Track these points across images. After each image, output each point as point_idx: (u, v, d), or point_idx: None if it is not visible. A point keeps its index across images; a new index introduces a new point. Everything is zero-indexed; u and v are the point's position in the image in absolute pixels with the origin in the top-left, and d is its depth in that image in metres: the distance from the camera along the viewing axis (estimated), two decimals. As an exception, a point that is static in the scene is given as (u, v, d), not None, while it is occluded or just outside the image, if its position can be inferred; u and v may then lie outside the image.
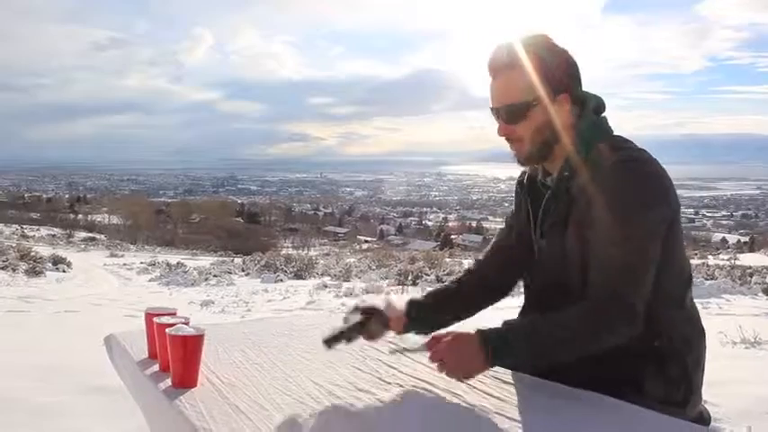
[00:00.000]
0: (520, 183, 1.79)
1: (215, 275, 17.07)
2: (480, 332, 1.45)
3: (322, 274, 17.37)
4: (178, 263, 20.89)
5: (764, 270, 13.09)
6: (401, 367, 1.63)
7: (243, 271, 18.46)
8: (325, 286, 13.97)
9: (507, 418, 1.27)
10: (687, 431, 1.28)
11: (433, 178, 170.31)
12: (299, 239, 65.94)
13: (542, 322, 1.49)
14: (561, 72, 1.57)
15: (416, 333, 1.72)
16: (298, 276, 17.13)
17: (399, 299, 1.75)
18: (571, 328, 1.45)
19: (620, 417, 1.31)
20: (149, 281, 16.78)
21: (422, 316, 1.73)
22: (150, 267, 20.58)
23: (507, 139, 1.62)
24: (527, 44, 1.56)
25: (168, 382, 1.47)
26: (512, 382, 1.51)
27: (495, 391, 1.45)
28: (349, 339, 1.58)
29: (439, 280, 14.97)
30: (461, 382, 1.47)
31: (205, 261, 24.45)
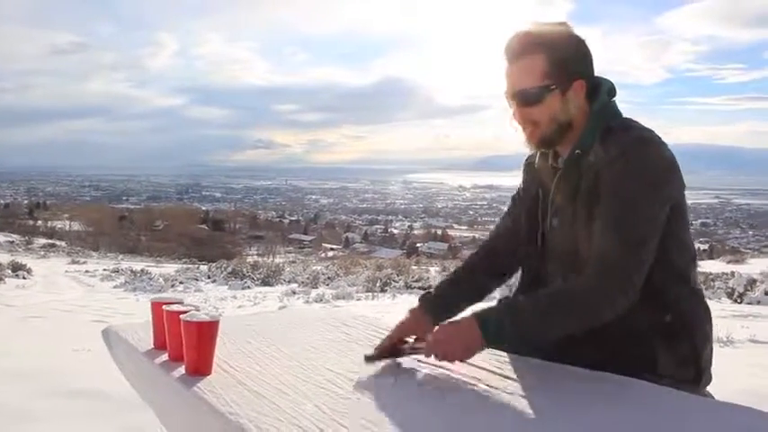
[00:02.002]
0: (529, 164, 1.81)
1: (181, 282, 16.87)
2: (476, 315, 1.49)
3: (289, 281, 17.28)
4: (142, 270, 20.61)
5: (725, 276, 13.38)
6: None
7: (209, 278, 18.26)
8: (294, 293, 13.91)
9: (527, 401, 1.28)
10: (703, 406, 1.29)
11: (398, 186, 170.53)
12: (264, 247, 65.39)
13: (539, 299, 1.52)
14: (577, 59, 1.61)
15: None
16: (265, 283, 17.01)
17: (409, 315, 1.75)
18: (568, 304, 1.49)
19: (636, 394, 1.32)
20: (114, 287, 16.51)
21: (440, 312, 1.74)
22: (114, 274, 20.26)
23: (521, 123, 1.64)
24: (544, 31, 1.60)
25: (181, 370, 1.44)
26: (528, 366, 1.52)
27: (512, 373, 1.45)
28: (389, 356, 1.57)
29: (408, 286, 14.99)
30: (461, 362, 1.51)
31: (170, 268, 24.14)
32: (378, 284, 15.17)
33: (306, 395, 1.29)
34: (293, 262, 27.73)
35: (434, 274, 16.65)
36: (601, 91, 1.63)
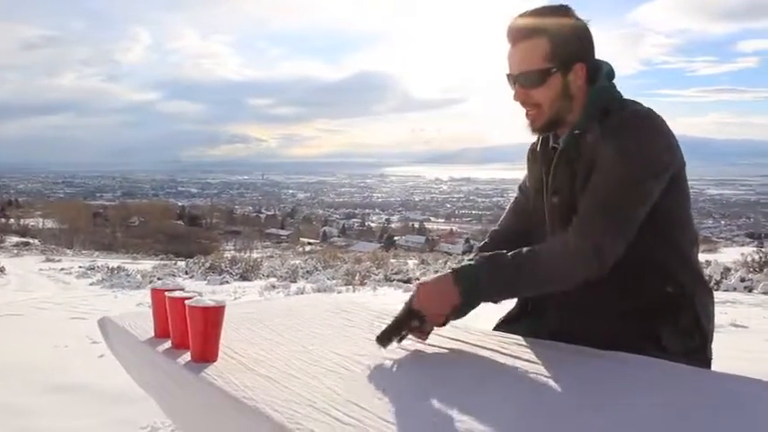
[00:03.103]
0: (533, 150, 1.82)
1: (159, 278, 16.72)
2: (454, 270, 1.50)
3: (268, 276, 17.20)
4: (119, 266, 20.38)
5: (702, 265, 13.53)
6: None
7: (186, 273, 18.12)
8: (274, 287, 13.84)
9: (535, 377, 1.29)
10: (710, 378, 1.29)
11: (375, 180, 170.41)
12: (241, 242, 64.93)
13: (516, 256, 1.53)
14: (578, 42, 1.63)
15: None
16: (243, 278, 16.92)
17: None
18: (542, 263, 1.52)
19: (643, 369, 1.33)
20: (90, 285, 16.31)
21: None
22: (90, 271, 20.01)
23: (523, 105, 1.66)
24: (547, 14, 1.61)
25: (186, 357, 1.43)
26: (532, 345, 1.52)
27: (518, 352, 1.45)
28: (399, 337, 1.54)
29: (387, 279, 15.01)
30: (440, 326, 1.53)
31: (146, 264, 23.89)
32: (357, 277, 15.17)
33: (317, 378, 1.28)
34: (271, 257, 27.60)
35: (413, 266, 16.69)
36: (600, 74, 1.65)
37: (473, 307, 1.52)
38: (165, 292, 1.52)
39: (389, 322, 1.55)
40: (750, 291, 9.23)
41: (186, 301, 1.41)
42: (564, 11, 1.62)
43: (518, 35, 1.63)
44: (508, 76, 1.66)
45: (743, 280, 9.94)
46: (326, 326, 1.78)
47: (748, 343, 4.70)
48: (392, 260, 18.63)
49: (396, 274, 15.46)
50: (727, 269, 11.01)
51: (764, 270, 10.40)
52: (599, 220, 1.50)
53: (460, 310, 1.50)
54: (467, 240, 60.25)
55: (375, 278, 15.04)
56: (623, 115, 1.56)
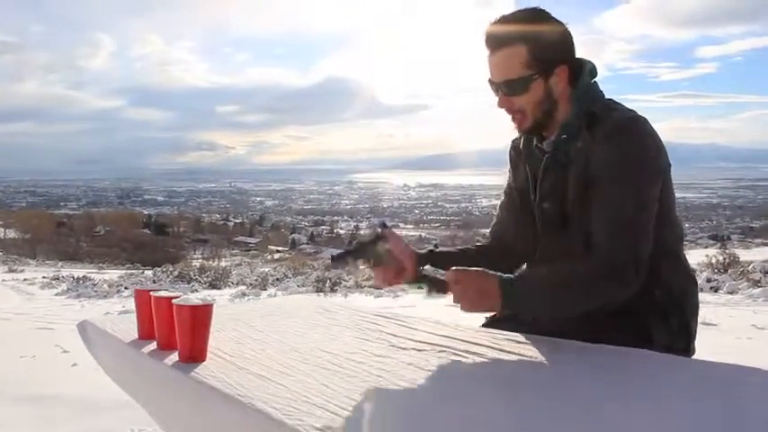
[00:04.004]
0: (515, 147, 1.82)
1: (126, 287, 16.47)
2: (500, 277, 1.48)
3: (237, 284, 17.04)
4: (84, 276, 20.01)
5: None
6: (408, 333, 1.63)
7: (154, 282, 17.85)
8: (244, 294, 13.72)
9: (526, 372, 1.29)
10: (695, 366, 1.31)
11: (343, 186, 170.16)
12: (209, 250, 64.28)
13: (553, 277, 1.53)
14: (558, 45, 1.62)
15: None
16: (213, 286, 16.73)
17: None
18: (580, 283, 1.51)
19: (630, 360, 1.36)
20: (56, 295, 15.99)
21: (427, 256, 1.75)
22: (54, 282, 19.58)
23: (508, 112, 1.66)
24: (525, 18, 1.60)
25: (174, 358, 1.40)
26: (525, 341, 1.52)
27: (510, 348, 1.46)
28: (356, 258, 1.55)
29: (358, 286, 14.98)
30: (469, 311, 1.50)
31: (113, 274, 23.49)
32: (327, 284, 15.12)
33: (310, 375, 1.27)
34: (239, 264, 27.34)
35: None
36: (583, 72, 1.65)
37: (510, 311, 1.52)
38: (151, 293, 1.50)
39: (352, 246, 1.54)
40: (716, 291, 9.39)
41: (174, 300, 1.38)
42: (540, 14, 1.62)
43: (495, 43, 1.62)
44: (490, 82, 1.66)
45: (709, 281, 10.12)
46: (312, 325, 1.77)
47: (721, 340, 4.79)
48: (362, 267, 18.59)
49: (366, 280, 15.42)
50: (693, 270, 11.20)
51: (729, 271, 10.60)
52: (622, 235, 1.50)
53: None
54: (436, 246, 60.29)
55: (346, 285, 14.99)
56: (614, 120, 1.56)
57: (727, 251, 12.50)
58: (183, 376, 1.30)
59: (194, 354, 1.38)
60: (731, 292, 9.11)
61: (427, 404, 1.11)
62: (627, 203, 1.51)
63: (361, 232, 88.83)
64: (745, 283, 9.42)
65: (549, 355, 1.41)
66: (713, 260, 11.22)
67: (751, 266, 9.99)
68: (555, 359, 1.39)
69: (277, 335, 1.65)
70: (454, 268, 1.50)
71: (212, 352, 1.44)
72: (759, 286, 9.04)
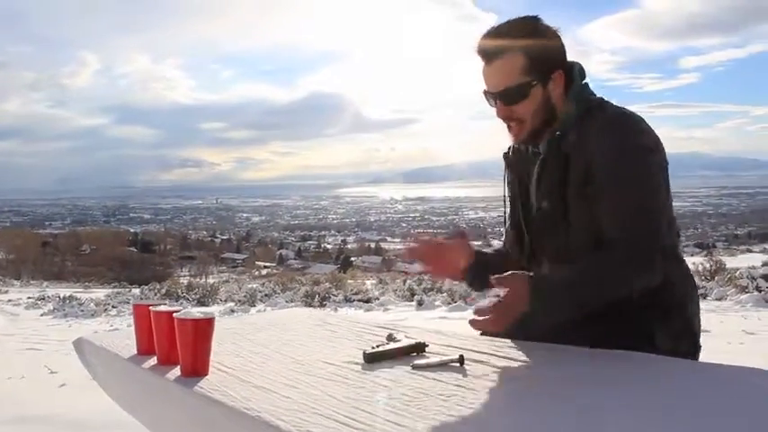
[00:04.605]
0: (507, 156, 1.82)
1: (114, 306, 16.34)
2: (534, 284, 1.45)
3: (226, 300, 16.97)
4: (71, 296, 19.82)
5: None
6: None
7: (142, 300, 17.73)
8: (233, 311, 13.65)
9: (530, 380, 1.29)
10: (698, 369, 1.30)
11: (330, 201, 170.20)
12: (196, 267, 63.97)
13: (576, 275, 1.51)
14: (553, 51, 1.64)
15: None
16: (201, 303, 16.63)
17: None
18: (603, 279, 1.50)
19: (636, 366, 1.35)
20: (42, 315, 15.82)
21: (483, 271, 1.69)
22: (40, 302, 19.37)
23: (507, 121, 1.66)
24: (519, 26, 1.62)
25: (176, 372, 1.38)
26: (528, 348, 1.51)
27: (516, 355, 1.45)
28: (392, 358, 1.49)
29: (347, 300, 14.94)
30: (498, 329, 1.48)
31: (99, 293, 23.30)
32: (316, 299, 15.07)
33: (315, 387, 1.26)
34: (227, 281, 27.22)
35: (371, 286, 16.67)
36: (574, 74, 1.66)
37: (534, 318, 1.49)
38: (150, 307, 1.48)
39: (387, 347, 1.52)
40: (704, 298, 9.44)
41: (175, 314, 1.37)
42: (533, 22, 1.63)
43: (492, 53, 1.62)
44: (486, 93, 1.66)
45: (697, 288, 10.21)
46: (312, 337, 1.75)
47: (713, 346, 4.81)
48: (350, 281, 18.57)
49: (355, 294, 15.39)
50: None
51: (716, 278, 10.67)
52: (639, 222, 1.51)
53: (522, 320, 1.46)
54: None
55: (335, 299, 14.95)
56: (609, 115, 1.58)
57: (714, 259, 12.62)
58: (187, 390, 1.28)
59: (197, 368, 1.37)
60: (719, 299, 9.17)
61: (438, 410, 1.10)
62: (638, 191, 1.51)
63: (349, 247, 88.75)
64: (733, 290, 9.49)
65: (552, 360, 1.41)
66: (700, 268, 11.31)
67: (738, 273, 10.06)
68: (557, 365, 1.39)
69: (277, 347, 1.64)
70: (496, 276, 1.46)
71: (214, 366, 1.42)
72: (746, 292, 9.10)
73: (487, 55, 1.63)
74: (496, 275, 1.45)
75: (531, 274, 1.50)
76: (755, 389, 1.20)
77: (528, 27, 1.62)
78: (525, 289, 1.43)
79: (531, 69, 1.60)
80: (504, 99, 1.63)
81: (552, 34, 1.64)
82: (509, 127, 1.67)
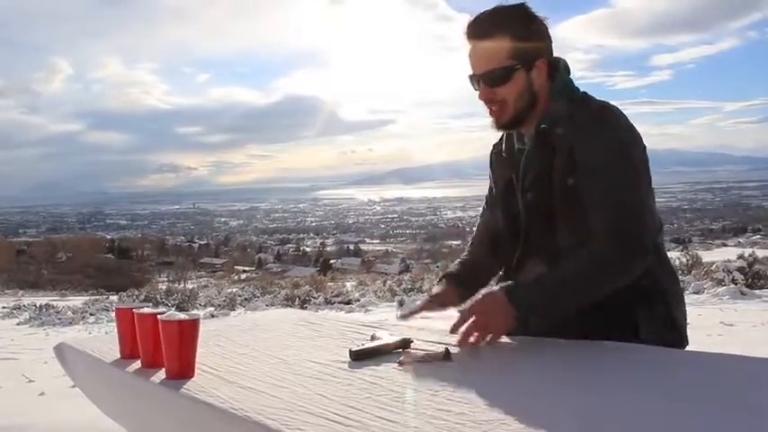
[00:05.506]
0: (497, 153, 1.83)
1: (92, 314, 16.16)
2: (504, 287, 1.51)
3: (206, 305, 16.85)
4: (47, 304, 19.55)
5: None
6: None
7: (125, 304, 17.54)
8: (213, 316, 13.55)
9: (524, 374, 1.29)
10: (686, 358, 1.31)
11: (308, 204, 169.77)
12: (174, 273, 63.38)
13: (565, 273, 1.53)
14: (539, 38, 1.66)
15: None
16: (180, 309, 16.46)
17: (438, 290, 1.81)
18: (592, 275, 1.52)
19: (622, 354, 1.37)
20: (18, 324, 15.59)
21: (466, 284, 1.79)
22: (16, 311, 19.08)
23: (489, 103, 1.67)
24: (506, 12, 1.63)
25: (161, 375, 1.37)
26: (518, 342, 1.52)
27: (505, 350, 1.46)
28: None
29: (328, 302, 14.91)
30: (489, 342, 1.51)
31: (77, 300, 23.00)
32: (297, 302, 15.02)
33: (304, 386, 1.25)
34: (206, 286, 27.02)
35: (351, 288, 16.66)
36: (560, 69, 1.68)
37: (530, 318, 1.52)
38: (134, 310, 1.46)
39: (372, 344, 1.52)
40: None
41: (159, 317, 1.35)
42: (522, 8, 1.65)
43: (478, 34, 1.64)
44: (471, 76, 1.68)
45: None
46: (296, 337, 1.74)
47: (692, 338, 4.86)
48: (330, 283, 18.54)
49: (336, 296, 15.36)
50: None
51: (693, 272, 10.80)
52: (636, 223, 1.53)
53: (519, 323, 1.50)
54: (403, 260, 60.41)
55: (315, 302, 14.91)
56: (594, 109, 1.60)
57: (690, 253, 12.77)
58: (174, 393, 1.27)
59: (183, 370, 1.35)
60: (697, 292, 9.28)
61: (428, 405, 1.09)
62: (623, 183, 1.53)
63: (328, 249, 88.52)
64: (710, 283, 9.61)
65: (539, 353, 1.42)
66: (677, 262, 11.43)
67: (714, 266, 10.19)
68: (544, 357, 1.40)
69: (263, 348, 1.62)
70: (459, 308, 1.55)
71: (200, 368, 1.41)
72: (723, 285, 9.23)
73: (475, 35, 1.65)
74: (469, 302, 1.54)
75: (508, 283, 1.55)
76: (732, 372, 1.23)
77: (516, 13, 1.64)
78: (501, 305, 1.49)
79: (515, 54, 1.61)
80: (488, 81, 1.64)
81: (539, 23, 1.66)
82: (491, 111, 1.68)
